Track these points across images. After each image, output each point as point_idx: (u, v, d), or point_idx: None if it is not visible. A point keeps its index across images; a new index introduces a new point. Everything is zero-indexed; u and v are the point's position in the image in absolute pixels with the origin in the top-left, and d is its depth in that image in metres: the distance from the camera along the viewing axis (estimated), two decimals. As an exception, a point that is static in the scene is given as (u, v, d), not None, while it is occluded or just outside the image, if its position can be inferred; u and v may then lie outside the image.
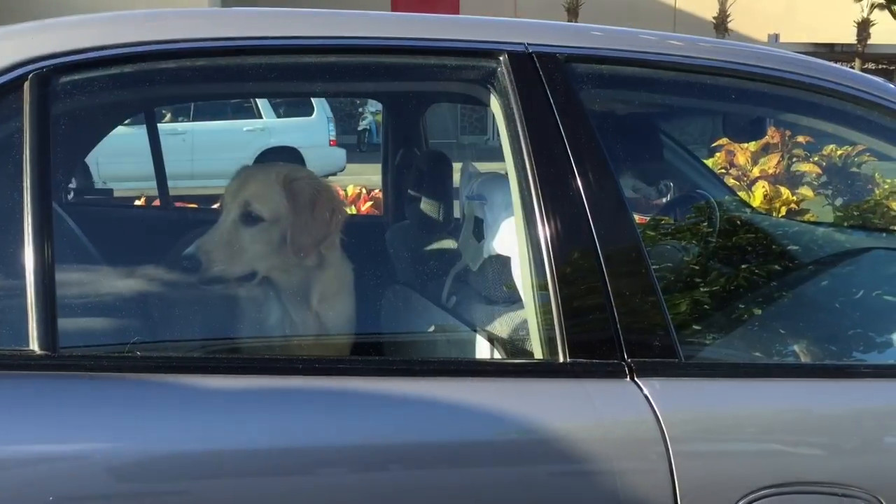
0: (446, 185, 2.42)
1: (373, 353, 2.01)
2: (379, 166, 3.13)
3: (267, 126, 10.55)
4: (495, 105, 1.55)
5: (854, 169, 7.06)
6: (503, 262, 1.97)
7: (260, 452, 1.22)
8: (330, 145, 10.56)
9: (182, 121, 9.32)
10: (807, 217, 4.99)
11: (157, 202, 3.49)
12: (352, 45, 1.52)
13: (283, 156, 9.83)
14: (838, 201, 6.42)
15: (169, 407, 1.22)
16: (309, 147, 9.80)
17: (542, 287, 1.42)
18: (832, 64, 1.77)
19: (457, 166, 2.47)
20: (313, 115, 10.83)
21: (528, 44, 1.53)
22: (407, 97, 2.77)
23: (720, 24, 22.52)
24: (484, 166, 2.45)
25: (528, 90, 1.49)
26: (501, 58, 1.51)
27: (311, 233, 1.93)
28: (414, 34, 1.55)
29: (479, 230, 2.17)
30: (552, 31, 1.61)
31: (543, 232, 1.41)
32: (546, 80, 1.49)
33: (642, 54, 1.62)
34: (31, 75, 1.33)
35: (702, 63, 1.65)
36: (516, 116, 1.47)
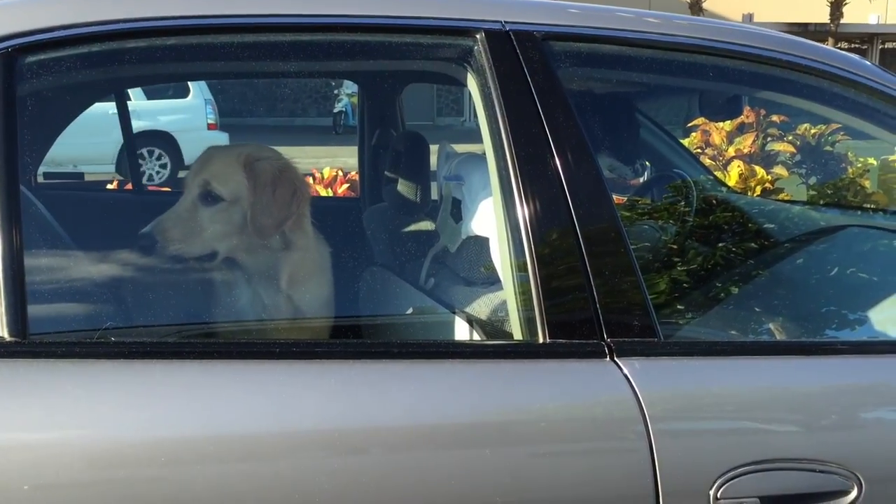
0: (423, 166, 2.41)
1: (351, 336, 2.00)
2: (355, 148, 3.10)
3: (135, 109, 9.88)
4: (472, 84, 1.53)
5: (828, 148, 7.10)
6: (481, 244, 1.96)
7: (236, 438, 1.20)
8: (208, 129, 9.94)
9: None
10: (782, 196, 5.01)
11: (129, 186, 3.45)
12: (326, 23, 1.49)
13: (154, 140, 9.32)
14: (812, 180, 6.47)
15: (142, 393, 1.20)
16: (183, 131, 9.33)
17: (520, 268, 1.41)
18: (809, 41, 1.77)
19: (434, 147, 2.45)
20: (189, 98, 10.21)
21: (505, 22, 1.51)
22: (383, 77, 2.74)
23: (695, 4, 22.55)
24: (461, 148, 2.43)
25: (506, 69, 1.47)
26: (478, 36, 1.50)
27: (272, 214, 1.90)
28: (389, 12, 1.53)
29: (457, 211, 2.16)
30: (529, 9, 1.59)
31: (522, 212, 1.40)
32: (523, 59, 1.48)
33: (619, 32, 1.61)
34: None
35: (679, 41, 1.64)
36: (493, 95, 1.46)
